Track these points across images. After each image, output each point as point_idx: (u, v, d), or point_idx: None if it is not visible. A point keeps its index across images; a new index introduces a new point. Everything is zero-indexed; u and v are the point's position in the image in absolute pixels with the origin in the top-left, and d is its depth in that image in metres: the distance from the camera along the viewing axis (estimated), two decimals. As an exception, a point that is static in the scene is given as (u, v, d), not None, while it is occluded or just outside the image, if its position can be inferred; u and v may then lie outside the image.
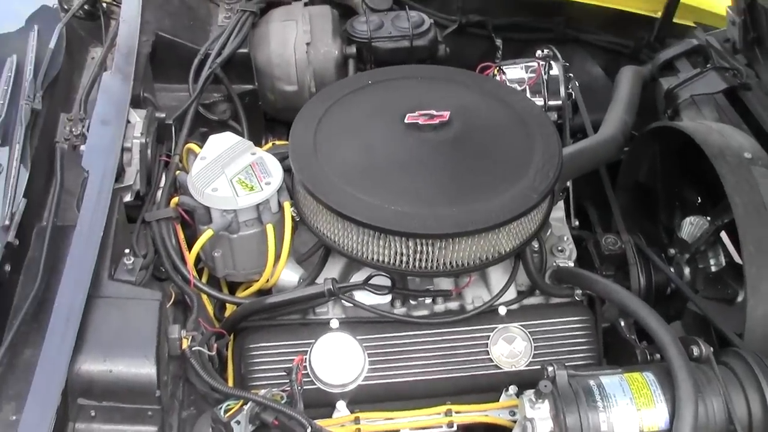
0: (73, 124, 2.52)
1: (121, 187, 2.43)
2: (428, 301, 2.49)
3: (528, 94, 2.95)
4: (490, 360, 2.40)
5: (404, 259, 2.31)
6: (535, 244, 2.57)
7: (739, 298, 2.57)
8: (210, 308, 2.55)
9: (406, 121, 2.50)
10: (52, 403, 1.84)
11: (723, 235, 2.68)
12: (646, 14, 3.37)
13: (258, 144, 2.75)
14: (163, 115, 2.75)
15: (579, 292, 2.52)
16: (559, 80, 3.05)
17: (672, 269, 2.69)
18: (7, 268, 2.15)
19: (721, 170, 2.40)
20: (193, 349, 2.18)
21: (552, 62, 3.08)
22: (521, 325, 2.43)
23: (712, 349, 2.15)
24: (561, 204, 2.75)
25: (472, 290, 2.51)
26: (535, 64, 3.05)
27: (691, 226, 2.73)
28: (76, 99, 2.70)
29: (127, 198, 2.46)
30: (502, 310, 2.47)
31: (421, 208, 2.28)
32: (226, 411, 2.09)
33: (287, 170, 2.53)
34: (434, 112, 2.51)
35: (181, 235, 2.52)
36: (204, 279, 2.61)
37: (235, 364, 2.45)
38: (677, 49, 3.18)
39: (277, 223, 2.49)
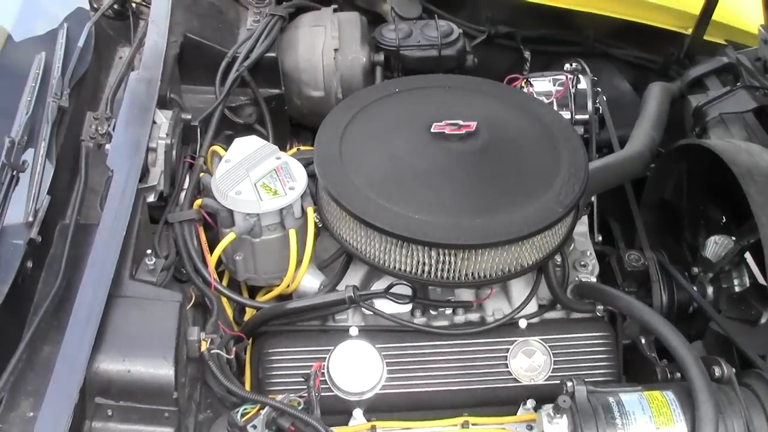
0: (99, 123, 2.53)
1: (145, 188, 2.43)
2: (449, 311, 2.49)
3: (555, 108, 2.94)
4: (509, 373, 2.38)
5: (426, 268, 2.30)
6: (558, 258, 2.55)
7: (763, 320, 2.55)
8: (230, 311, 2.54)
9: (432, 130, 2.49)
10: (69, 400, 1.83)
11: (747, 255, 2.66)
12: (677, 30, 3.35)
13: (283, 149, 2.74)
14: (189, 117, 2.75)
15: (600, 307, 2.51)
16: (586, 94, 3.05)
17: (695, 288, 2.67)
18: (29, 264, 2.15)
19: (749, 190, 2.37)
20: (212, 351, 2.17)
21: (580, 76, 3.07)
22: (541, 339, 2.41)
23: (734, 370, 2.13)
24: (585, 219, 2.74)
25: (493, 302, 2.50)
26: (563, 77, 3.05)
27: (715, 245, 2.71)
28: (103, 98, 2.71)
29: (151, 198, 2.45)
30: (523, 324, 2.45)
31: (444, 218, 2.28)
32: (242, 415, 2.08)
33: (311, 176, 2.52)
34: (461, 122, 2.50)
35: (203, 238, 2.51)
36: (225, 282, 2.61)
37: (253, 369, 2.45)
38: (707, 67, 3.16)
39: (300, 228, 2.48)
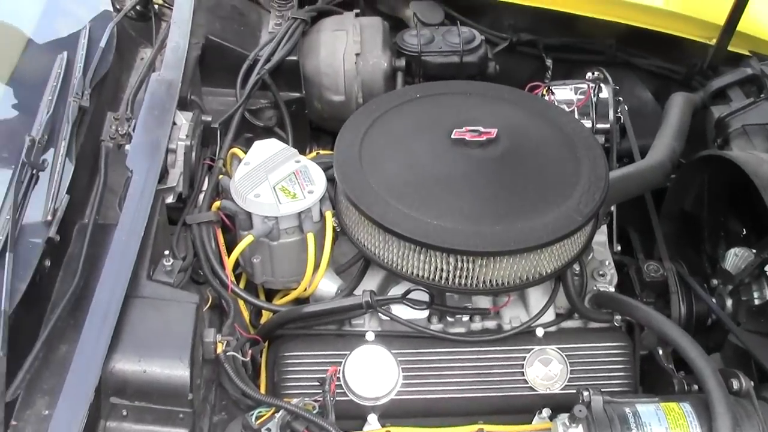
0: (119, 124, 2.54)
1: (164, 189, 2.43)
2: (465, 318, 2.48)
3: (576, 116, 2.93)
4: (525, 381, 2.37)
5: (444, 275, 2.29)
6: (577, 267, 2.54)
7: (783, 333, 2.54)
8: (246, 314, 2.54)
9: (452, 136, 2.48)
10: (84, 399, 1.83)
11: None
12: (701, 40, 3.33)
13: (303, 153, 2.74)
14: (209, 119, 2.75)
15: (618, 317, 2.50)
16: (608, 103, 3.04)
17: (714, 300, 2.66)
18: (47, 263, 2.16)
19: None
20: (228, 354, 2.17)
21: (602, 85, 3.07)
22: (558, 348, 2.40)
23: (752, 383, 2.12)
24: (604, 228, 2.73)
25: (510, 310, 2.49)
26: (584, 85, 3.04)
27: (735, 258, 2.69)
28: (124, 98, 2.71)
29: (169, 199, 2.45)
30: (540, 332, 2.44)
31: (463, 225, 2.27)
32: (257, 418, 2.08)
33: (331, 180, 2.52)
34: (481, 129, 2.49)
35: (221, 240, 2.51)
36: (242, 285, 2.61)
37: (269, 372, 2.44)
38: (730, 78, 3.14)
39: (318, 232, 2.48)
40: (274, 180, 2.47)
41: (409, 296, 2.40)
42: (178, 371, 2.01)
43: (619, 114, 3.05)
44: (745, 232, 2.79)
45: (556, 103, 2.96)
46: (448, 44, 3.26)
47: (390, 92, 3.01)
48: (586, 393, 2.09)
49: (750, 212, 2.65)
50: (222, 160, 2.71)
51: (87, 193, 2.43)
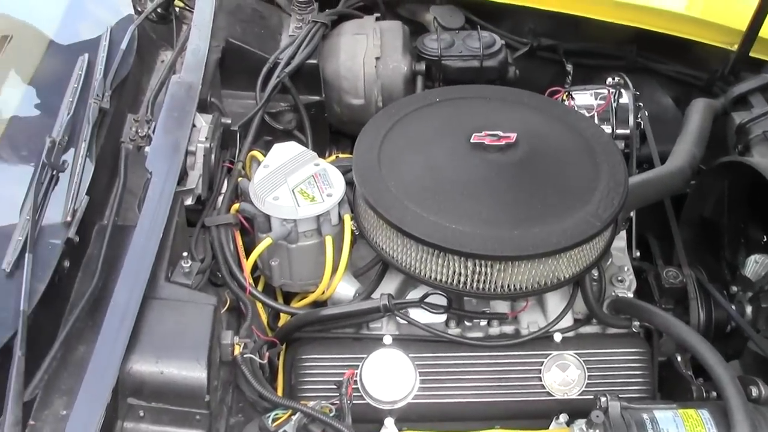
0: (139, 126, 2.54)
1: (183, 191, 2.43)
2: (483, 323, 2.48)
3: (596, 121, 2.92)
4: (543, 386, 2.37)
5: (462, 279, 2.29)
6: (595, 273, 2.53)
7: (802, 341, 2.52)
8: (264, 317, 2.54)
9: (471, 140, 2.48)
10: (102, 400, 1.84)
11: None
12: (722, 46, 3.31)
13: (322, 156, 2.74)
14: (229, 121, 2.75)
15: (636, 323, 2.49)
16: (628, 109, 3.02)
17: (733, 307, 2.65)
18: (66, 263, 2.17)
19: None
20: (245, 356, 2.17)
21: (622, 90, 3.05)
22: (576, 354, 2.39)
23: (772, 390, 2.11)
24: (623, 234, 2.72)
25: (528, 315, 2.49)
26: (604, 91, 3.03)
27: (755, 264, 2.68)
28: (144, 100, 2.72)
29: (188, 201, 2.45)
30: (558, 337, 2.44)
31: (481, 229, 2.26)
32: (273, 420, 2.08)
33: (349, 183, 2.52)
34: (501, 133, 2.49)
35: (240, 242, 2.52)
36: (260, 287, 2.61)
37: (286, 374, 2.45)
38: (752, 84, 3.12)
39: (337, 235, 2.48)
40: (293, 183, 2.47)
41: (427, 300, 2.40)
42: (195, 373, 2.01)
43: (640, 120, 3.03)
44: (765, 239, 2.78)
45: (576, 108, 2.95)
46: (468, 49, 3.26)
47: (409, 96, 3.00)
48: (603, 399, 2.09)
49: (771, 219, 2.64)
50: (241, 163, 2.72)
51: (106, 195, 2.44)
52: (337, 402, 2.16)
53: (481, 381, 2.38)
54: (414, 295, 2.46)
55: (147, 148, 2.44)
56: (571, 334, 2.48)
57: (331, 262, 2.45)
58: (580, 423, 2.11)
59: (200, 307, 2.16)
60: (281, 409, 2.11)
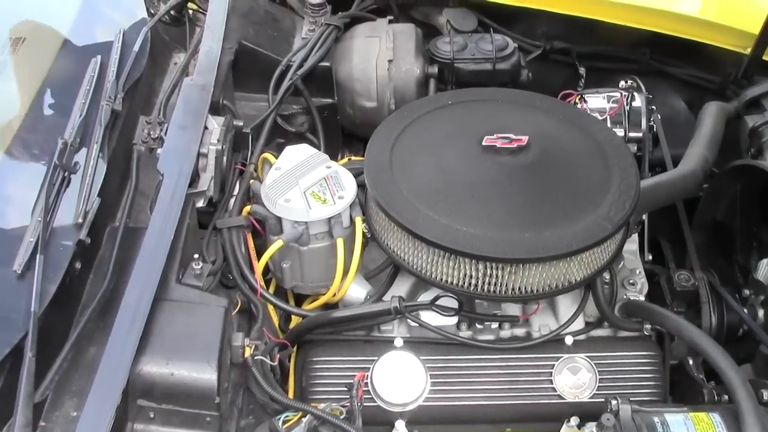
0: (151, 128, 2.54)
1: (195, 193, 2.44)
2: (494, 326, 2.47)
3: (608, 125, 2.92)
4: (554, 389, 2.36)
5: (473, 281, 2.29)
6: (607, 276, 2.53)
7: (815, 344, 2.51)
8: (276, 319, 2.54)
9: (483, 143, 2.48)
10: (112, 401, 1.84)
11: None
12: (735, 50, 3.30)
13: (334, 158, 2.75)
14: (241, 124, 2.76)
15: (648, 326, 2.48)
16: (641, 112, 3.02)
17: (746, 310, 2.64)
18: (78, 265, 2.17)
19: None
20: (256, 358, 2.17)
21: (635, 93, 3.04)
22: (587, 357, 2.39)
23: (784, 394, 2.11)
24: (635, 237, 2.71)
25: (539, 318, 2.48)
26: (617, 94, 3.02)
27: (768, 268, 2.68)
28: (156, 102, 2.72)
29: (200, 203, 2.46)
30: (569, 340, 2.43)
31: (492, 232, 2.26)
32: (284, 422, 2.08)
33: (361, 186, 2.52)
34: (512, 136, 2.48)
35: (251, 244, 2.52)
36: (271, 289, 2.61)
37: (297, 377, 2.45)
38: (765, 87, 3.10)
39: (348, 237, 2.48)
40: (304, 185, 2.47)
41: (438, 303, 2.39)
42: (205, 374, 2.01)
43: (652, 123, 3.02)
44: (778, 243, 2.77)
45: (588, 112, 2.94)
46: (481, 51, 3.25)
47: (421, 99, 3.01)
48: (614, 402, 2.08)
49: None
50: (253, 165, 2.72)
51: (118, 197, 2.44)
52: (348, 404, 2.16)
53: (492, 384, 2.38)
54: (425, 297, 2.46)
55: (159, 150, 2.44)
56: (582, 337, 2.47)
57: (342, 264, 2.45)
58: (591, 426, 2.11)
59: (211, 309, 2.16)
60: (291, 411, 2.11)
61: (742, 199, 2.83)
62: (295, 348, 2.49)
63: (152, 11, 3.04)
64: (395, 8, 3.51)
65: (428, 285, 2.43)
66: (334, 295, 2.51)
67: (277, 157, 2.63)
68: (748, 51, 3.22)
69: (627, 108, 3.00)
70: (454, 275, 2.30)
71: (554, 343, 2.43)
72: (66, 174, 2.27)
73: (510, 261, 2.24)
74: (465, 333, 2.46)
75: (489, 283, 2.28)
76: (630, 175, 2.44)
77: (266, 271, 2.56)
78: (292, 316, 2.57)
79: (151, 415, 2.01)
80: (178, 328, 2.09)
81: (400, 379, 2.31)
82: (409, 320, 2.43)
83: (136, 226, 2.33)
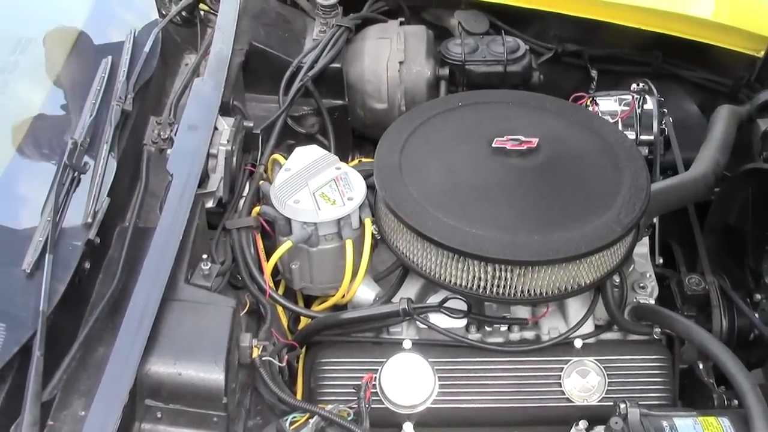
0: (161, 128, 2.54)
1: (204, 193, 2.44)
2: (503, 328, 2.47)
3: (620, 127, 2.91)
4: (562, 392, 2.36)
5: (482, 284, 2.29)
6: (617, 279, 2.52)
7: (826, 350, 2.50)
8: (285, 320, 2.53)
9: (493, 145, 2.48)
10: (119, 401, 1.84)
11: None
12: (748, 53, 3.29)
13: (345, 160, 2.74)
14: (251, 125, 2.76)
15: (658, 330, 2.48)
16: (652, 115, 3.01)
17: (757, 315, 2.63)
18: (87, 265, 2.18)
19: None
20: (263, 358, 2.17)
21: (647, 96, 3.03)
22: (596, 360, 2.38)
23: (794, 400, 2.09)
24: (646, 240, 2.70)
25: (548, 321, 2.48)
26: (629, 97, 3.01)
27: (780, 273, 2.67)
28: (167, 103, 2.72)
29: (210, 204, 2.46)
30: (578, 343, 2.43)
31: (502, 234, 2.26)
32: (291, 423, 2.07)
33: (371, 187, 2.52)
34: (522, 138, 2.48)
35: (260, 245, 2.52)
36: (280, 291, 2.61)
37: (305, 378, 2.44)
38: (778, 91, 3.11)
39: (357, 239, 2.48)
40: (314, 186, 2.47)
41: (447, 305, 2.39)
42: (213, 375, 2.01)
43: (664, 126, 3.02)
44: (790, 248, 2.76)
45: (600, 114, 2.93)
46: (492, 54, 3.25)
47: (431, 100, 2.99)
48: (623, 405, 2.08)
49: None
50: (263, 166, 2.72)
51: (128, 197, 2.45)
52: (356, 406, 2.15)
53: (501, 386, 2.37)
54: (434, 299, 2.46)
55: (169, 151, 2.45)
56: (591, 340, 2.47)
57: (351, 265, 2.45)
58: (599, 429, 2.11)
59: (219, 309, 2.16)
60: (299, 413, 2.10)
61: (753, 202, 2.82)
62: (303, 349, 2.48)
63: (164, 12, 3.04)
64: (406, 10, 3.51)
65: (437, 287, 2.44)
66: (343, 296, 2.51)
67: (287, 158, 2.63)
68: (761, 54, 3.21)
69: (638, 111, 2.99)
70: (463, 277, 2.30)
71: (563, 346, 2.42)
72: (76, 174, 2.28)
73: (519, 263, 2.23)
74: (474, 335, 2.46)
75: (498, 286, 2.28)
76: (640, 178, 2.44)
77: (275, 272, 2.56)
78: (301, 318, 2.56)
79: (159, 415, 2.01)
80: (186, 329, 2.09)
81: (408, 381, 2.30)
82: (417, 322, 2.42)
83: (146, 226, 2.34)
